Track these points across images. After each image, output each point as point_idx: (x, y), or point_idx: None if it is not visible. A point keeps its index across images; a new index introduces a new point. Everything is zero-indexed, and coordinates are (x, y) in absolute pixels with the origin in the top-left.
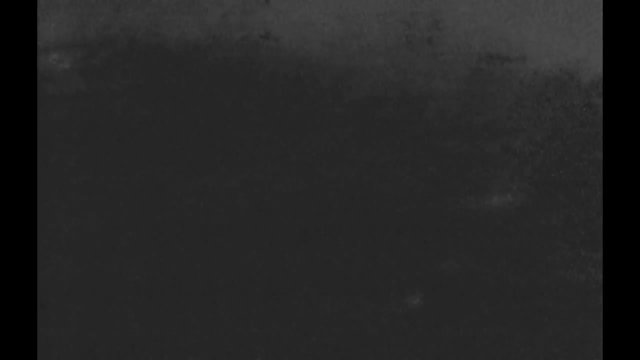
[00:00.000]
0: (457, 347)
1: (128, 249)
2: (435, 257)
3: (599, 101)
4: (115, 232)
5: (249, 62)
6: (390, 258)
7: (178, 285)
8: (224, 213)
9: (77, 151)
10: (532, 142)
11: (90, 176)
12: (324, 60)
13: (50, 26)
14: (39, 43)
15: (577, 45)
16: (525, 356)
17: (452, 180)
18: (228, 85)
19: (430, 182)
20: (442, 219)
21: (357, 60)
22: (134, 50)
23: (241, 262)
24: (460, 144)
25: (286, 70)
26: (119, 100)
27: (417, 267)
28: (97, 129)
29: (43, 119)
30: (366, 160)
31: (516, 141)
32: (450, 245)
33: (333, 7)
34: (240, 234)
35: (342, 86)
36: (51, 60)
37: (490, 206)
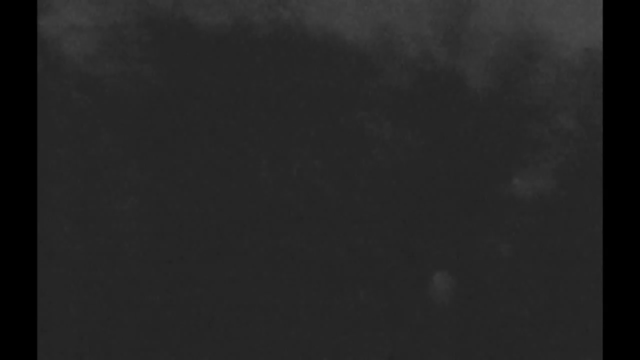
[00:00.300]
0: (485, 328)
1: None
2: (472, 238)
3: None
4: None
5: (275, 46)
6: (420, 238)
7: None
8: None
9: (98, 135)
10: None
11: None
12: (352, 45)
13: (73, 8)
14: (62, 24)
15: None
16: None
17: (489, 163)
18: (254, 67)
19: (468, 164)
20: (480, 201)
21: (386, 46)
22: (157, 32)
23: (255, 247)
24: (496, 126)
25: (313, 53)
26: (143, 82)
27: (449, 248)
28: (119, 112)
29: (62, 101)
30: (404, 142)
31: (556, 122)
32: (492, 227)
33: None
34: (269, 212)
35: (370, 71)
36: (72, 41)
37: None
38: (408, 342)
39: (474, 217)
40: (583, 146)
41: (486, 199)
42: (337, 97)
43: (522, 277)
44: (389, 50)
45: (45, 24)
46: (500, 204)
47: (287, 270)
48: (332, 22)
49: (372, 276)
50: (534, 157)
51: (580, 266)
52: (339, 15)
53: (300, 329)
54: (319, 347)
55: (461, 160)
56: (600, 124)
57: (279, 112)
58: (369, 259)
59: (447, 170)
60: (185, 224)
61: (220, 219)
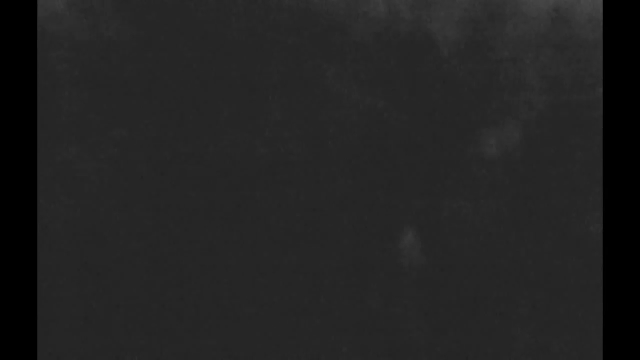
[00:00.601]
0: (450, 283)
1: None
2: (436, 195)
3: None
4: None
5: (247, 8)
6: (388, 195)
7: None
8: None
9: (77, 97)
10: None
11: (89, 129)
12: (326, 4)
13: None
14: None
15: None
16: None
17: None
18: (220, 23)
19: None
20: (447, 159)
21: (353, 3)
22: None
23: (242, 213)
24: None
25: (279, 9)
26: (117, 44)
27: (414, 206)
28: (95, 73)
29: (42, 63)
30: (370, 100)
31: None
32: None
33: None
34: (248, 178)
35: (336, 29)
36: (49, 2)
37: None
38: (375, 304)
39: (441, 176)
40: (551, 105)
41: (454, 158)
42: (303, 54)
43: (492, 238)
44: (355, 7)
45: None
46: (468, 163)
47: (252, 229)
48: None
49: (338, 236)
50: (501, 116)
51: (549, 225)
52: None
53: (265, 290)
54: (282, 310)
55: (428, 119)
56: (567, 82)
57: (245, 68)
58: (333, 218)
59: (414, 129)
60: (154, 182)
61: (191, 175)
